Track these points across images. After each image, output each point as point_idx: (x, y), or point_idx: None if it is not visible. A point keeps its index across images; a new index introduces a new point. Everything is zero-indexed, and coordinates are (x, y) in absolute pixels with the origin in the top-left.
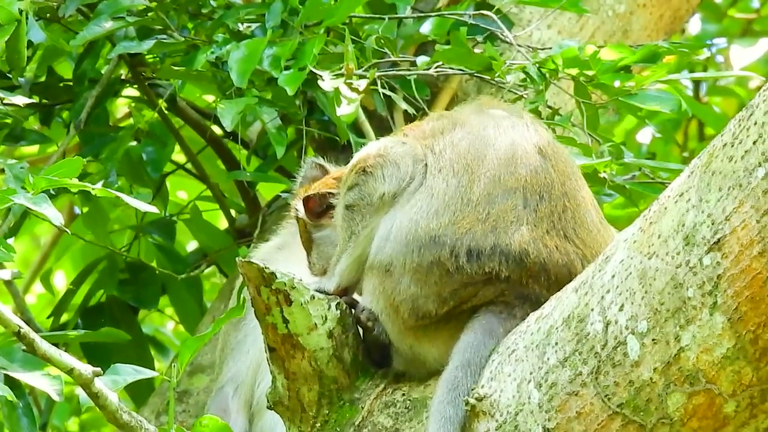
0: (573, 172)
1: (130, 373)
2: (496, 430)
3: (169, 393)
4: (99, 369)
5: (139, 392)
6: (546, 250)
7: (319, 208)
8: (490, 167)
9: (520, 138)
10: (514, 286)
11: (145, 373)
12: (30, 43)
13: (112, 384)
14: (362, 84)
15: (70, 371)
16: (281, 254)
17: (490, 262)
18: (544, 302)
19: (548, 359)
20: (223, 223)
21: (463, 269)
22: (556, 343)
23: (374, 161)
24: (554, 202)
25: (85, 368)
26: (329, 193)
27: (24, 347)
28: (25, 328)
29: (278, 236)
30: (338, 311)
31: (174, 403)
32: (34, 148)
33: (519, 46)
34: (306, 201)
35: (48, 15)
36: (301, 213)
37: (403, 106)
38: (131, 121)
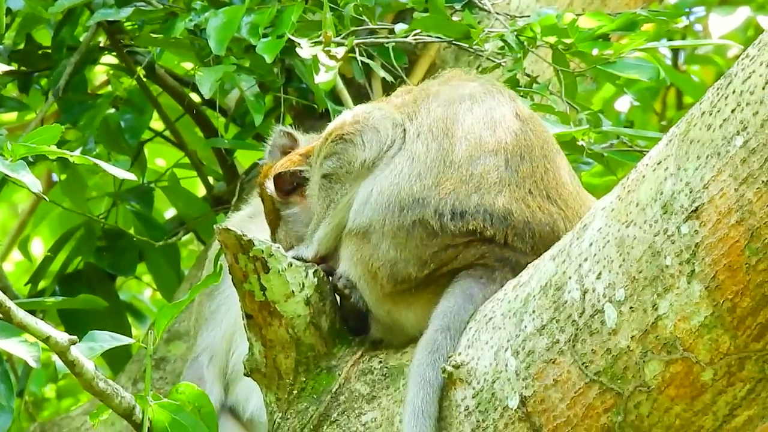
0: (549, 137)
1: (107, 339)
2: (472, 397)
3: (146, 360)
4: (75, 337)
5: (116, 359)
6: (529, 210)
7: (289, 185)
8: (470, 130)
9: (495, 104)
10: (496, 247)
11: (122, 340)
12: (9, 11)
13: (88, 351)
14: (340, 51)
15: (46, 339)
16: (253, 223)
17: (474, 221)
18: (525, 266)
19: (525, 327)
20: (201, 191)
21: (447, 228)
22: (534, 311)
23: (352, 128)
24: (535, 163)
25: (61, 336)
26: (299, 170)
27: (0, 316)
28: (1, 297)
29: (250, 206)
30: (316, 279)
31: (151, 371)
32: (12, 116)
33: (497, 14)
34: (276, 179)
35: None
36: (271, 190)
37: (382, 73)
38: (109, 88)
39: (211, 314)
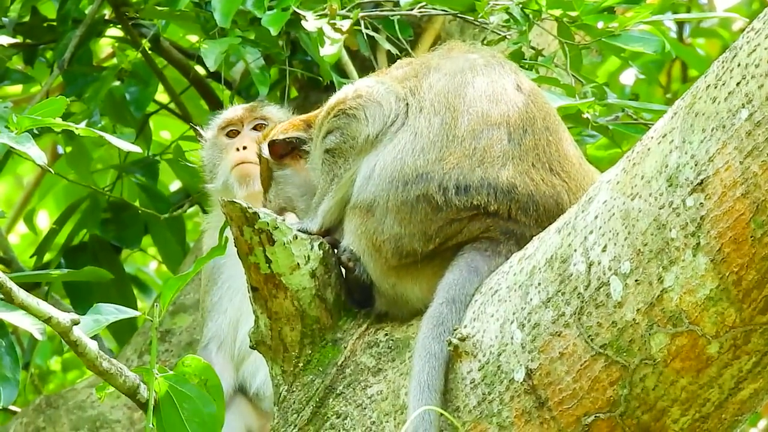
0: (551, 109)
1: (112, 312)
2: (478, 370)
3: (151, 332)
4: (77, 317)
5: (121, 332)
6: (533, 183)
7: (284, 151)
8: (472, 104)
9: (496, 76)
10: (501, 221)
11: (127, 313)
12: None
13: (93, 323)
14: (345, 24)
15: (47, 320)
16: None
17: (478, 195)
18: (530, 239)
19: (531, 300)
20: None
21: (452, 203)
22: (539, 284)
23: (355, 103)
24: (537, 136)
25: (63, 316)
26: (297, 137)
27: (1, 296)
28: (2, 277)
29: None
30: (321, 251)
31: (156, 343)
32: (17, 88)
33: None
34: (271, 146)
35: None
36: (266, 153)
37: (387, 46)
38: (115, 61)
39: (214, 305)
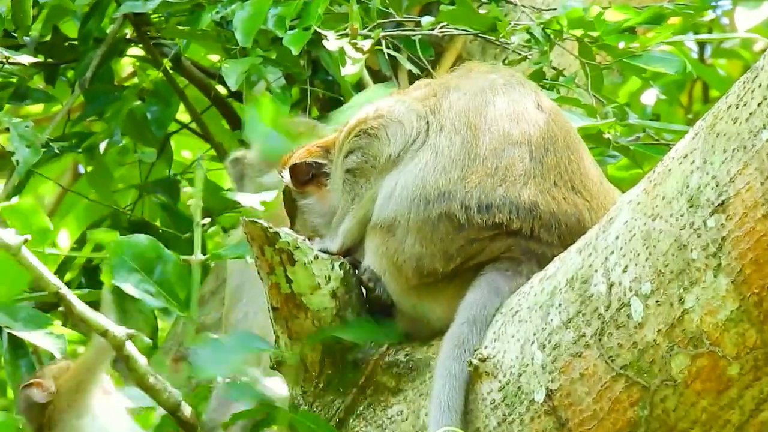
0: (571, 128)
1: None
2: (499, 391)
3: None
4: (132, 331)
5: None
6: (554, 201)
7: (305, 176)
8: (493, 123)
9: (517, 96)
10: (522, 240)
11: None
12: (35, 2)
13: (243, 348)
14: (367, 44)
15: (104, 333)
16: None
17: (500, 214)
18: (551, 258)
19: (552, 320)
20: (227, 183)
21: (474, 221)
22: (560, 305)
23: (376, 122)
24: (559, 154)
25: (119, 330)
26: (316, 162)
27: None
28: (64, 289)
29: None
30: (342, 271)
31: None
32: (38, 107)
33: (523, 6)
34: (292, 169)
35: None
36: (287, 180)
37: (408, 66)
38: (136, 80)
39: (238, 323)
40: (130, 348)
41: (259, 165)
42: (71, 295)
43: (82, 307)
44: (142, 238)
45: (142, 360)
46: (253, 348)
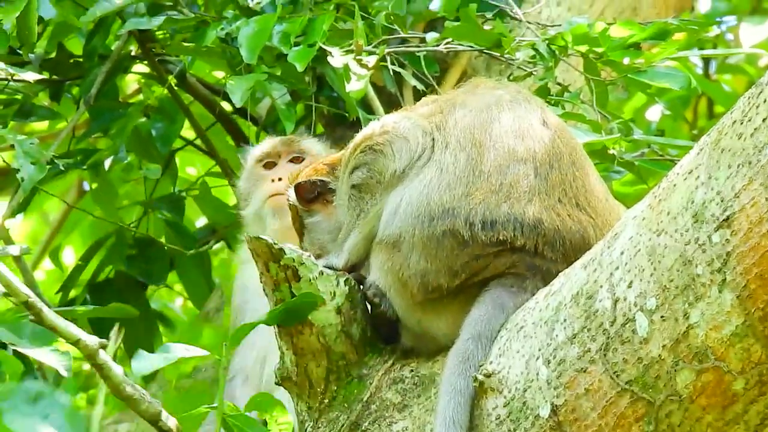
0: (577, 144)
1: (181, 351)
2: (504, 406)
3: (220, 373)
4: (105, 341)
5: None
6: (559, 218)
7: (310, 194)
8: (498, 140)
9: (522, 112)
10: (527, 256)
11: (197, 352)
12: (40, 19)
13: (164, 361)
14: (371, 60)
15: (76, 342)
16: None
17: (504, 231)
18: (556, 274)
19: (557, 336)
20: (232, 199)
21: (478, 238)
22: (565, 320)
23: (381, 138)
24: (564, 172)
25: (91, 339)
26: (321, 180)
27: (32, 317)
28: (34, 298)
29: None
30: (346, 287)
31: (224, 382)
32: (43, 124)
33: (528, 23)
34: (297, 188)
35: None
36: (293, 199)
37: (413, 82)
38: (141, 97)
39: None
40: (104, 357)
41: None
42: (41, 304)
43: (52, 316)
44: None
45: (117, 369)
46: None
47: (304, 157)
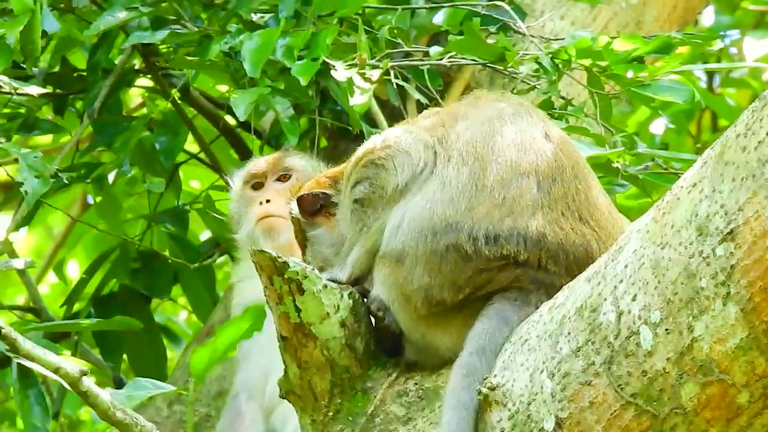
0: (580, 157)
1: (148, 388)
2: (508, 419)
3: (187, 408)
4: (85, 368)
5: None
6: (562, 232)
7: (313, 207)
8: (501, 153)
9: (525, 125)
10: (531, 270)
11: (163, 387)
12: (44, 33)
13: (127, 399)
14: (375, 74)
15: (56, 370)
16: None
17: (508, 245)
18: (559, 288)
19: (561, 349)
20: None
21: (481, 253)
22: (569, 333)
23: (383, 153)
24: (567, 185)
25: (72, 367)
26: (323, 192)
27: (7, 348)
28: (7, 329)
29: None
30: (351, 300)
31: (192, 416)
32: (47, 138)
33: (532, 36)
34: (300, 201)
35: (62, 5)
36: (295, 212)
37: (416, 96)
38: (144, 110)
39: (246, 355)
40: (87, 383)
41: None
42: (15, 333)
43: (29, 345)
44: None
45: (103, 395)
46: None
47: (290, 175)
